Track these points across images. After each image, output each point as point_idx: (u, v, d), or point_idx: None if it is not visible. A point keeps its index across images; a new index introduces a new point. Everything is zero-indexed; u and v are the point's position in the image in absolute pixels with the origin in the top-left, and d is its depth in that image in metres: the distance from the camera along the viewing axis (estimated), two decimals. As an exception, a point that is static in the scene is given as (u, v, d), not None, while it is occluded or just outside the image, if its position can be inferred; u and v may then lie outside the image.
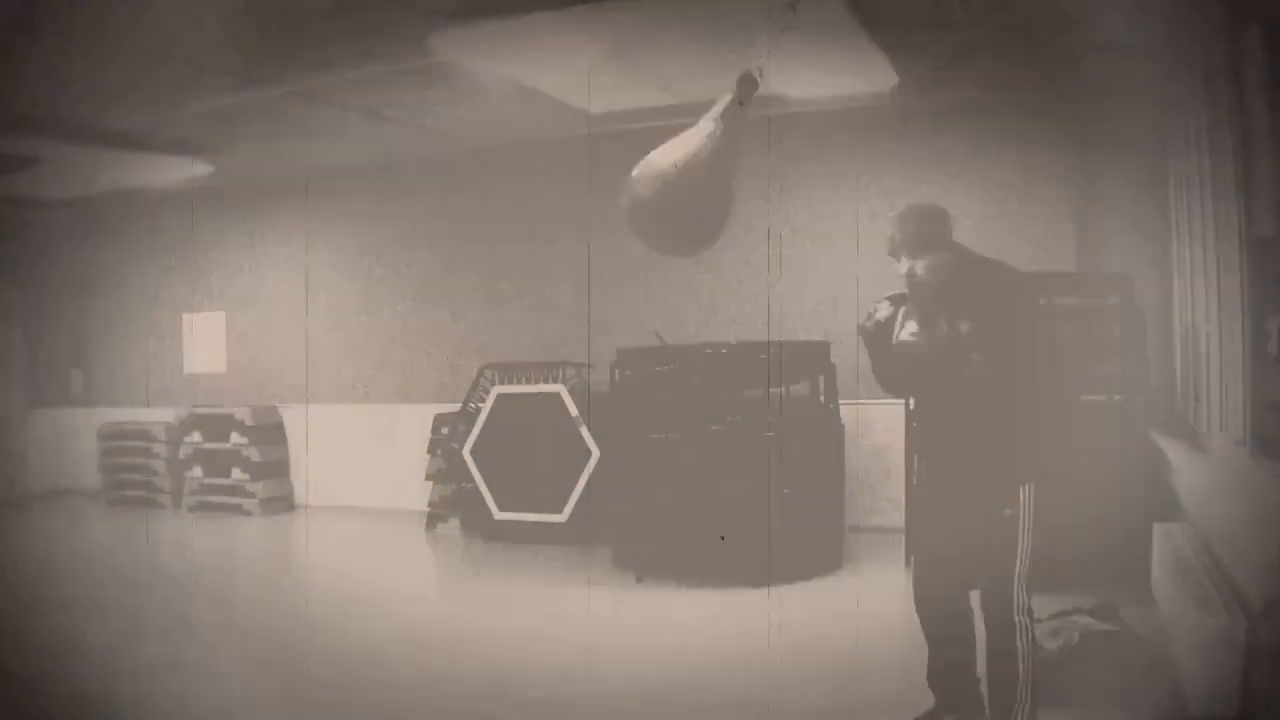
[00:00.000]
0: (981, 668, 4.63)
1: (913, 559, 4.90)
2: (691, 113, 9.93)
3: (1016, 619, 4.38)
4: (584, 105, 9.35)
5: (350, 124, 9.88)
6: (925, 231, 4.58)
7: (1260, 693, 3.91)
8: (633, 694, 5.64)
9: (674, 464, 8.27)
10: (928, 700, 4.82)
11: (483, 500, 10.22)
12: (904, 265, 4.59)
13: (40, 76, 7.99)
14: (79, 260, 14.13)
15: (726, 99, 4.62)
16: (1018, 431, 4.43)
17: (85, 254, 14.08)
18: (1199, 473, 6.23)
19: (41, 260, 14.05)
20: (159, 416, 12.99)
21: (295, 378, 12.30)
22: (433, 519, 11.00)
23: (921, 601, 4.77)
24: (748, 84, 4.65)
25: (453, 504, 10.82)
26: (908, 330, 4.53)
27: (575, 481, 9.72)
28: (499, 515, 10.13)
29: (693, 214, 4.51)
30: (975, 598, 4.64)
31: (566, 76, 8.52)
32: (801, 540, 8.13)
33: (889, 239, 4.65)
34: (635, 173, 4.57)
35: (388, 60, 8.01)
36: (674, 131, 4.35)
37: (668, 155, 4.52)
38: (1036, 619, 5.42)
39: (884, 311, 4.65)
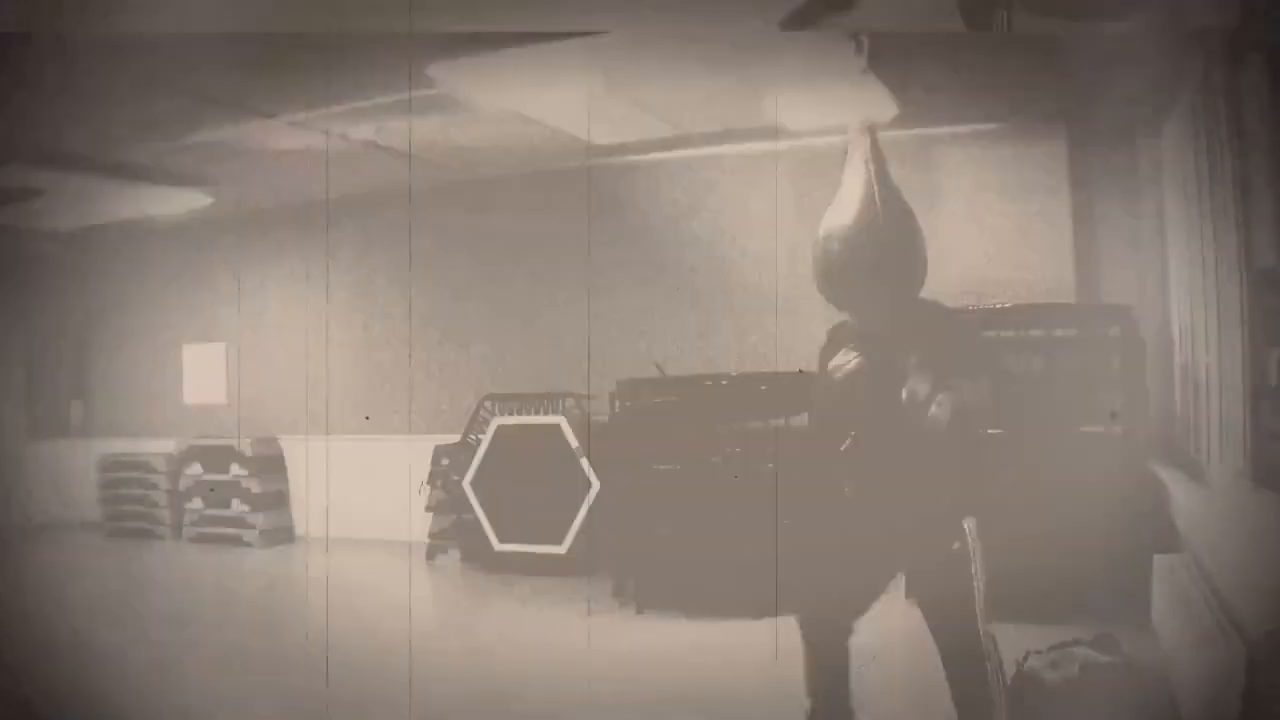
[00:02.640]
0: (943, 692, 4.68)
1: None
2: (692, 144, 9.98)
3: (985, 648, 4.38)
4: (584, 135, 9.37)
5: (350, 155, 9.89)
6: None
7: (1261, 724, 3.89)
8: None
9: (675, 496, 8.25)
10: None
11: (483, 532, 10.20)
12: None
13: (41, 108, 8.01)
14: (80, 291, 14.13)
15: (863, 147, 4.65)
16: (961, 465, 4.44)
17: (86, 285, 14.08)
18: (1199, 504, 6.21)
19: (42, 291, 14.05)
20: (159, 448, 12.97)
21: (295, 409, 12.27)
22: (433, 550, 10.98)
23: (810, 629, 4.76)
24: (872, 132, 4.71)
25: (453, 535, 10.80)
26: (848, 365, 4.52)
27: (575, 513, 9.70)
28: (499, 547, 10.10)
29: (892, 265, 4.51)
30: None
31: (566, 107, 8.54)
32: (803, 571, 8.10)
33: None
34: (821, 235, 4.59)
35: (387, 91, 8.04)
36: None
37: (844, 214, 4.53)
38: (1036, 651, 5.43)
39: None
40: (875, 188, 4.51)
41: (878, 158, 4.60)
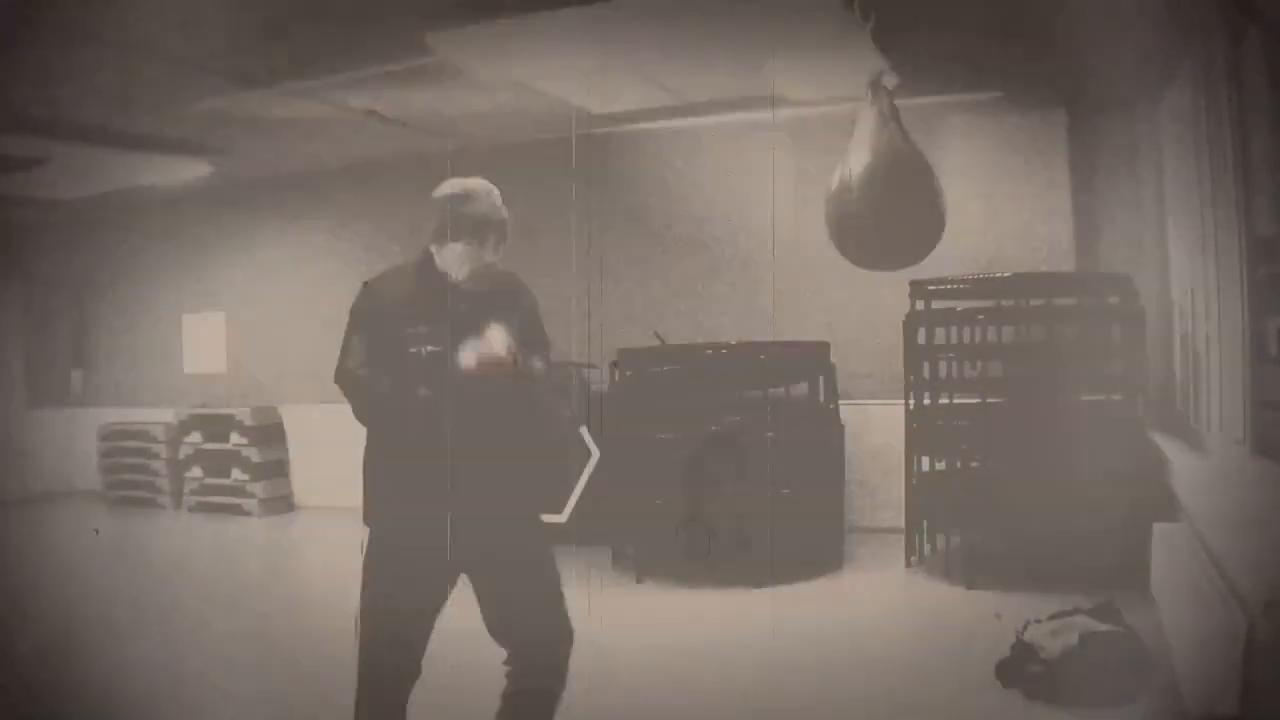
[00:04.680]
0: None
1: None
2: (692, 113, 9.93)
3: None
4: (584, 105, 9.33)
5: (350, 124, 9.86)
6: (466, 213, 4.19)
7: (1260, 693, 3.91)
8: (633, 694, 5.65)
9: (674, 464, 8.26)
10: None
11: (482, 500, 10.19)
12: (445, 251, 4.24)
13: (40, 77, 7.98)
14: (79, 260, 14.10)
15: (869, 108, 4.69)
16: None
17: (85, 254, 14.05)
18: (1199, 473, 6.23)
19: (42, 260, 14.03)
20: (159, 417, 12.98)
21: (295, 378, 12.27)
22: (433, 519, 10.98)
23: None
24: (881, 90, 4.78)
25: (453, 504, 10.80)
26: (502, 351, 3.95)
27: (575, 482, 9.70)
28: (499, 515, 10.09)
29: (906, 219, 4.49)
30: None
31: (566, 76, 8.51)
32: (801, 540, 8.12)
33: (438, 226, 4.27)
34: (833, 189, 4.55)
35: (387, 60, 8.00)
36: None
37: (855, 164, 4.51)
38: (1036, 620, 5.47)
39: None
40: (895, 137, 4.49)
41: (894, 112, 4.58)
